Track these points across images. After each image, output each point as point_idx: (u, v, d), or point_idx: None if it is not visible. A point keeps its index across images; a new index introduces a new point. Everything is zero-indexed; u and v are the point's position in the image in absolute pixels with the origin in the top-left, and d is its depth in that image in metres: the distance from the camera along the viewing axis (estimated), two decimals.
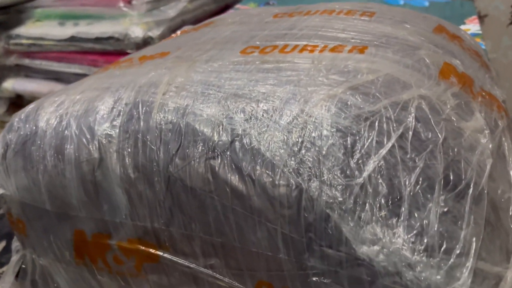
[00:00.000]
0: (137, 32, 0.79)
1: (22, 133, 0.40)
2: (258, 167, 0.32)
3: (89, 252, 0.40)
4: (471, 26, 0.81)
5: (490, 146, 0.34)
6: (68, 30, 0.85)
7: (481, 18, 1.01)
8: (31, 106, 0.42)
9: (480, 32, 0.78)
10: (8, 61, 0.92)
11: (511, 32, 1.02)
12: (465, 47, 0.49)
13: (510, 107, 0.47)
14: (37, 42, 0.88)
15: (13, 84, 0.92)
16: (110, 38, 0.81)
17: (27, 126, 0.40)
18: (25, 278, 0.46)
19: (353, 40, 0.42)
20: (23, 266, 0.46)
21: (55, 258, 0.43)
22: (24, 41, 0.89)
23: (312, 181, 0.31)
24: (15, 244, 0.47)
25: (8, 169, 0.41)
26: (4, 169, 0.41)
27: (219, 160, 0.33)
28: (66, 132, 0.38)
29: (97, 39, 0.82)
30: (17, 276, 0.46)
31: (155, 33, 0.79)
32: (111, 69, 0.46)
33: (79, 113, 0.38)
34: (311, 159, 0.31)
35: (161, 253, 0.37)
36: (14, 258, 0.46)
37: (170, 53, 0.46)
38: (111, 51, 0.81)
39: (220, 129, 0.34)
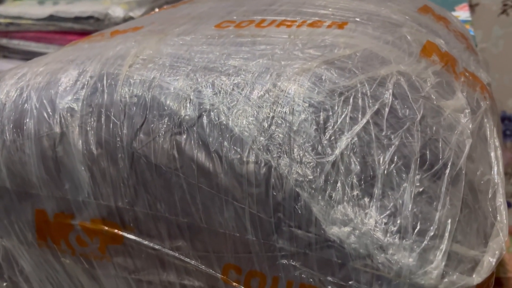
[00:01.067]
0: (117, 12, 0.76)
1: None
2: (225, 143, 0.30)
3: (51, 234, 0.38)
4: (461, 13, 0.79)
5: (471, 126, 0.32)
6: (47, 9, 0.82)
7: (472, 7, 0.99)
8: None
9: (469, 19, 0.77)
10: None
11: (503, 21, 1.01)
12: (451, 28, 0.48)
13: (500, 96, 0.46)
14: (15, 21, 0.85)
15: None
16: (90, 17, 0.78)
17: None
18: None
19: (333, 16, 0.40)
20: None
21: (18, 240, 0.41)
22: (1, 20, 0.86)
23: (281, 158, 0.29)
24: None
25: None
26: None
27: (185, 135, 0.32)
28: (26, 105, 0.36)
29: (77, 19, 0.79)
30: None
31: (136, 13, 0.77)
32: (80, 43, 0.44)
33: (40, 86, 0.36)
34: (281, 135, 0.30)
35: (125, 234, 0.35)
36: None
37: (143, 27, 0.44)
38: (91, 31, 0.79)
39: (188, 103, 0.32)
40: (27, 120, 0.35)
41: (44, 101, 0.35)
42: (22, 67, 0.40)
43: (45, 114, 0.35)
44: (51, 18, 0.82)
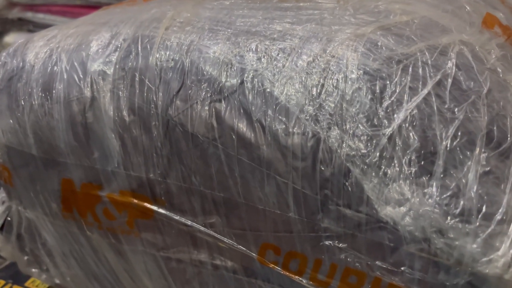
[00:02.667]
0: None
1: (8, 68, 0.36)
2: (270, 112, 0.28)
3: (77, 205, 0.36)
4: None
5: None
6: None
7: None
8: (21, 41, 0.38)
9: None
10: (11, 14, 0.88)
11: None
12: (507, 5, 0.44)
13: None
14: None
15: (15, 38, 0.88)
16: None
17: (14, 61, 0.36)
18: (10, 232, 0.43)
19: None
20: (9, 218, 0.43)
21: (42, 211, 0.39)
22: None
23: (332, 129, 0.27)
24: (1, 195, 0.43)
25: None
26: None
27: (226, 103, 0.29)
28: (55, 67, 0.34)
29: None
30: (1, 229, 0.43)
31: None
32: (112, 8, 0.42)
33: (71, 47, 0.34)
34: (332, 105, 0.27)
35: (155, 208, 0.33)
36: None
37: None
38: None
39: (229, 68, 0.30)
40: (57, 83, 0.34)
41: (75, 63, 0.33)
42: (52, 29, 0.38)
43: (76, 77, 0.33)
44: None
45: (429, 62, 0.28)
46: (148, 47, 0.32)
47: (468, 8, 0.35)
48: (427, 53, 0.28)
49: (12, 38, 0.90)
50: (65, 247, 0.40)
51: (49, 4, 0.85)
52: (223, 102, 0.29)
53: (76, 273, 0.42)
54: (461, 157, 0.26)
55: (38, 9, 0.86)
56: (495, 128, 0.27)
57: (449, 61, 0.28)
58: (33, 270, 0.45)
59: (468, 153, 0.26)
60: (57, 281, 0.44)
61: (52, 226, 0.40)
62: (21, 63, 0.35)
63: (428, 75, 0.27)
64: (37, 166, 0.37)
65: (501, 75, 0.29)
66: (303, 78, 0.28)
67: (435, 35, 0.30)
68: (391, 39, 0.29)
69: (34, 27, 0.88)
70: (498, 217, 0.25)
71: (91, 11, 0.82)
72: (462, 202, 0.25)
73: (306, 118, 0.27)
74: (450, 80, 0.28)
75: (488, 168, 0.26)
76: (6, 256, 0.45)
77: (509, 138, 0.27)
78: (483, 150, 0.26)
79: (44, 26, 0.87)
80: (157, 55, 0.31)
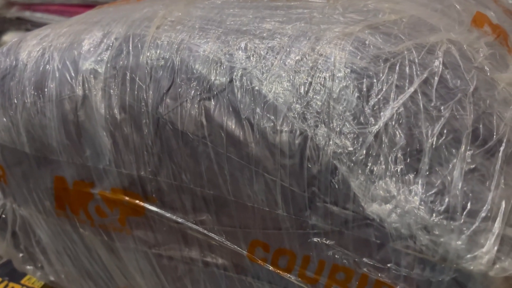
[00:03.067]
0: None
1: (1, 66, 0.36)
2: (258, 110, 0.28)
3: (70, 202, 0.37)
4: None
5: None
6: None
7: None
8: (14, 39, 0.38)
9: None
10: (9, 14, 0.88)
11: None
12: (499, 4, 0.44)
13: None
14: None
15: (13, 38, 0.88)
16: None
17: (7, 59, 0.36)
18: (5, 229, 0.43)
19: None
20: (3, 216, 0.43)
21: (36, 209, 0.40)
22: None
23: (319, 127, 0.27)
24: None
25: None
26: None
27: (215, 101, 0.29)
28: (48, 66, 0.34)
29: None
30: None
31: None
32: (105, 7, 0.42)
33: (63, 46, 0.34)
34: (319, 103, 0.27)
35: (147, 206, 0.33)
36: None
37: None
38: None
39: (218, 66, 0.30)
40: (49, 81, 0.34)
41: (67, 62, 0.34)
42: (45, 28, 0.38)
43: (68, 76, 0.33)
44: None
45: (416, 60, 0.28)
46: (139, 45, 0.32)
47: (458, 7, 0.35)
48: (414, 52, 0.28)
49: (10, 37, 0.90)
50: (58, 245, 0.41)
51: (47, 4, 0.85)
52: (212, 100, 0.29)
53: (70, 270, 0.42)
54: (447, 154, 0.26)
55: (36, 9, 0.86)
56: (481, 126, 0.27)
57: (436, 60, 0.28)
58: (28, 267, 0.45)
59: (453, 150, 0.26)
60: (52, 278, 0.45)
61: (46, 224, 0.40)
62: (14, 62, 0.36)
63: (415, 73, 0.28)
64: (30, 164, 0.37)
65: (488, 74, 0.30)
66: (291, 76, 0.28)
67: (423, 34, 0.30)
68: (379, 37, 0.29)
69: (32, 26, 0.88)
70: (483, 214, 0.25)
71: (88, 10, 0.83)
72: (447, 199, 0.25)
73: (294, 116, 0.28)
74: (436, 79, 0.28)
75: (473, 166, 0.26)
76: (1, 254, 0.46)
77: (495, 136, 0.27)
78: (468, 148, 0.26)
79: (42, 25, 0.87)
80: (148, 54, 0.32)
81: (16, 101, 0.35)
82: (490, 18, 0.36)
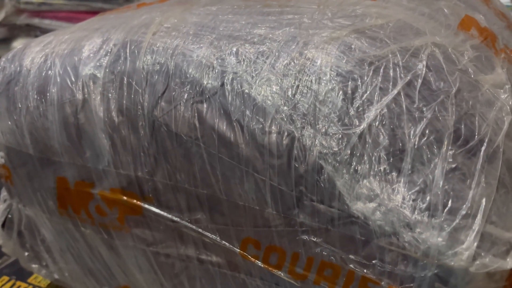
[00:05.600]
0: None
1: (7, 72, 0.38)
2: (248, 113, 0.29)
3: (72, 202, 0.38)
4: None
5: (511, 102, 0.30)
6: None
7: None
8: (19, 46, 0.40)
9: (510, 4, 0.73)
10: (19, 20, 0.91)
11: None
12: (491, 6, 0.45)
13: None
14: (47, 1, 0.86)
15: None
16: None
17: (12, 65, 0.38)
18: (12, 228, 0.45)
19: None
20: (10, 216, 0.45)
21: (40, 208, 0.41)
22: (34, 0, 0.87)
23: (305, 129, 0.28)
24: (3, 193, 0.45)
25: None
26: None
27: (207, 104, 0.31)
28: (50, 71, 0.36)
29: None
30: (3, 226, 0.45)
31: None
32: (106, 14, 0.43)
33: (64, 52, 0.36)
34: (306, 105, 0.28)
35: (144, 205, 0.35)
36: (1, 207, 0.45)
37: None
38: None
39: (210, 71, 0.31)
40: (51, 86, 0.35)
41: (68, 67, 0.35)
42: (48, 35, 0.40)
43: (68, 81, 0.35)
44: None
45: (400, 63, 0.29)
46: (136, 51, 0.34)
47: (446, 10, 0.36)
48: (398, 55, 0.29)
49: (20, 43, 0.92)
50: (62, 243, 0.42)
51: (55, 11, 0.87)
52: (204, 103, 0.31)
53: (73, 268, 0.43)
54: (429, 154, 0.27)
55: (45, 15, 0.89)
56: (462, 126, 0.28)
57: (420, 63, 0.29)
58: (33, 265, 0.47)
59: (435, 150, 0.27)
60: (56, 276, 0.46)
61: (50, 223, 0.42)
62: (18, 68, 0.37)
63: (398, 76, 0.29)
64: (34, 165, 0.38)
65: (472, 76, 0.30)
66: (280, 80, 0.29)
67: (408, 38, 0.31)
68: (364, 41, 0.30)
69: (41, 32, 0.91)
70: (463, 211, 0.26)
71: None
72: (428, 198, 0.26)
73: (282, 118, 0.29)
74: (420, 81, 0.29)
75: (455, 165, 0.27)
76: (7, 252, 0.47)
77: (476, 136, 0.28)
78: (450, 148, 0.27)
79: (50, 31, 0.90)
80: (144, 59, 0.33)
81: (20, 105, 0.37)
82: (479, 21, 0.37)
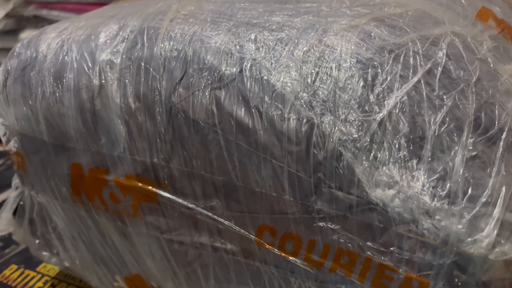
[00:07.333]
0: None
1: (22, 58, 0.38)
2: (266, 99, 0.29)
3: (85, 189, 0.38)
4: None
5: None
6: None
7: None
8: (34, 33, 0.40)
9: None
10: (26, 12, 0.91)
11: None
12: (506, 0, 0.45)
13: None
14: None
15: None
16: None
17: (28, 51, 0.38)
18: (23, 216, 0.45)
19: None
20: (21, 203, 0.45)
21: (53, 195, 0.41)
22: None
23: (325, 115, 0.28)
24: (15, 181, 0.45)
25: (8, 97, 0.39)
26: (4, 97, 0.40)
27: (225, 90, 0.31)
28: (66, 57, 0.36)
29: None
30: (14, 213, 0.45)
31: None
32: (120, 2, 0.43)
33: (81, 38, 0.36)
34: (326, 92, 0.28)
35: (159, 192, 0.35)
36: (13, 194, 0.45)
37: None
38: None
39: (228, 57, 0.31)
40: (67, 72, 0.35)
41: (85, 53, 0.35)
42: (64, 22, 0.40)
43: (85, 66, 0.35)
44: None
45: (420, 51, 0.29)
46: (153, 38, 0.34)
47: (463, 1, 0.36)
48: (418, 43, 0.29)
49: (28, 35, 0.92)
50: (74, 231, 0.42)
51: (63, 2, 0.87)
52: (222, 89, 0.31)
53: (84, 256, 0.43)
54: (449, 142, 0.27)
55: (53, 7, 0.89)
56: (483, 115, 0.28)
57: (440, 51, 0.29)
58: (44, 253, 0.47)
59: (455, 138, 0.27)
60: (67, 264, 0.46)
61: (62, 210, 0.42)
62: (34, 54, 0.37)
63: (418, 64, 0.29)
64: (48, 152, 0.38)
65: (491, 65, 0.30)
66: (299, 66, 0.29)
67: (428, 27, 0.31)
68: (384, 30, 0.30)
69: (49, 24, 0.91)
70: (483, 199, 0.26)
71: None
72: (448, 185, 0.26)
73: (301, 104, 0.29)
74: (440, 69, 0.29)
75: (475, 153, 0.27)
76: (18, 240, 0.47)
77: (496, 125, 0.28)
78: (470, 136, 0.27)
79: None
80: (162, 45, 0.33)
81: (36, 91, 0.37)
82: (495, 13, 0.37)
